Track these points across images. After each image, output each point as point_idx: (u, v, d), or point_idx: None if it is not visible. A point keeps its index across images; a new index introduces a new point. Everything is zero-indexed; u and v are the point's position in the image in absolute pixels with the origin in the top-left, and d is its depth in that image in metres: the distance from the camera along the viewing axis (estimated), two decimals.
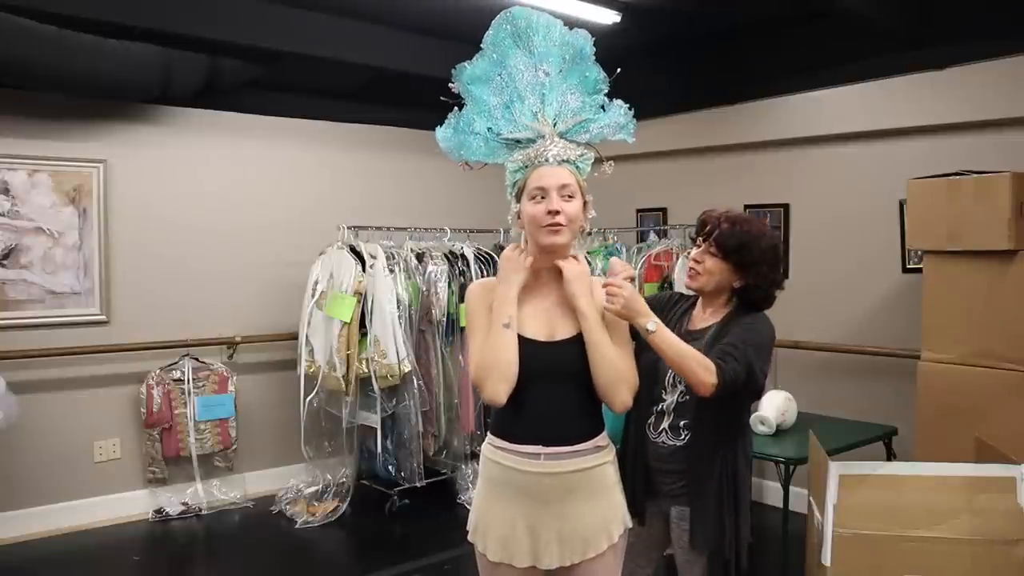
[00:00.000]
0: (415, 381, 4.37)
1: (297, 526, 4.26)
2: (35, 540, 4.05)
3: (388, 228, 4.71)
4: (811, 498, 2.41)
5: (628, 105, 2.04)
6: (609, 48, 5.05)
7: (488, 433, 1.98)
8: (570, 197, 1.84)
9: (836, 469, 2.16)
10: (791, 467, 2.94)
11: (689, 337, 2.10)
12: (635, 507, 2.07)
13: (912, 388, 3.33)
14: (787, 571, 3.04)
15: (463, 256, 4.71)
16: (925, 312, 3.27)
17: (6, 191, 4.04)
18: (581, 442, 1.86)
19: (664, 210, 5.18)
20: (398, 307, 4.30)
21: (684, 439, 2.08)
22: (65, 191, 4.19)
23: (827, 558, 2.16)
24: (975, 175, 3.10)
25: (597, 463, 1.89)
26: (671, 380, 2.13)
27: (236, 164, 4.73)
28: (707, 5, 4.01)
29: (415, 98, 5.22)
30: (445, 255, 4.66)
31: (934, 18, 3.77)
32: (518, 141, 1.95)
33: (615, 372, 1.85)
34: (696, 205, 4.89)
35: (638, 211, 5.31)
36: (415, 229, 4.80)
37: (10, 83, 3.81)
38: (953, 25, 3.75)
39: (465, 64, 1.99)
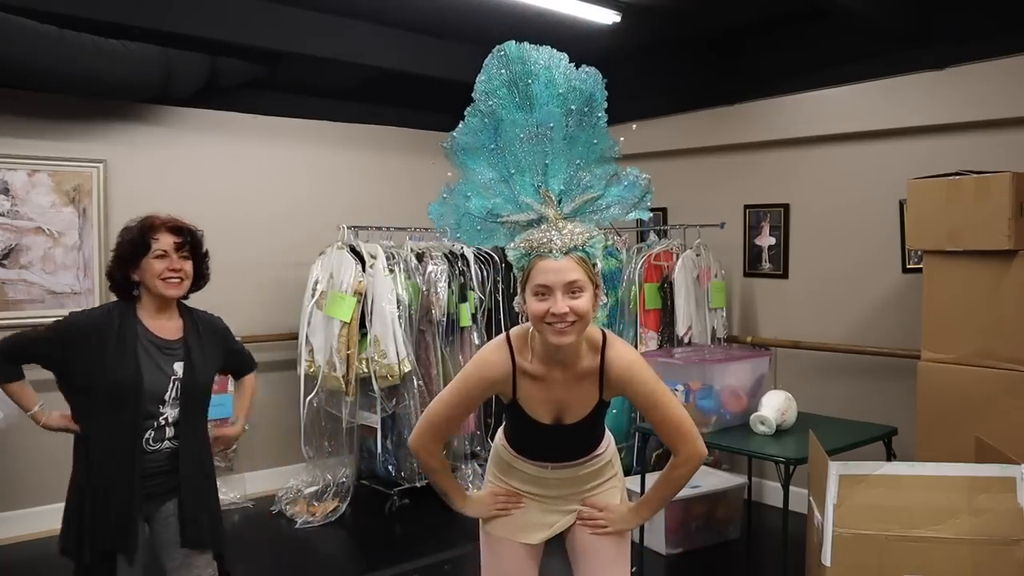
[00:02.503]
0: (415, 381, 4.37)
1: (297, 526, 4.26)
2: (35, 540, 4.05)
3: (388, 228, 4.72)
4: (811, 498, 2.41)
5: (646, 176, 1.83)
6: (609, 48, 5.11)
7: (502, 429, 2.04)
8: (578, 292, 1.67)
9: (836, 469, 2.16)
10: (791, 467, 2.94)
11: None
12: None
13: (912, 388, 3.32)
14: (787, 571, 3.04)
15: (463, 256, 4.71)
16: (925, 312, 3.27)
17: (6, 191, 4.04)
18: (586, 455, 1.97)
19: (664, 210, 5.18)
20: (398, 307, 4.31)
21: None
22: (65, 191, 4.19)
23: (827, 558, 2.16)
24: (975, 175, 3.10)
25: (598, 465, 2.00)
26: None
27: (236, 164, 4.73)
28: (707, 5, 4.01)
29: (415, 98, 5.26)
30: (445, 255, 4.66)
31: (934, 18, 3.78)
32: (518, 223, 1.76)
33: (694, 466, 1.93)
34: (696, 205, 4.94)
35: None
36: (415, 229, 4.80)
37: (10, 83, 3.81)
38: (953, 25, 3.75)
39: (461, 127, 1.78)
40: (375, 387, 4.28)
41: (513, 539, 1.96)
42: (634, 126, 1.96)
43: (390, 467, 4.52)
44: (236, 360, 2.58)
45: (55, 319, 2.26)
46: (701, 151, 4.92)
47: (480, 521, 2.03)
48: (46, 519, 4.15)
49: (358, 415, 4.51)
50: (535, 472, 1.95)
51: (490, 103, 1.74)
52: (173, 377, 2.25)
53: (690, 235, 4.73)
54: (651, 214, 1.84)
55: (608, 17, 3.99)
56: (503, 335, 1.86)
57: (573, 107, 1.72)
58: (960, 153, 3.71)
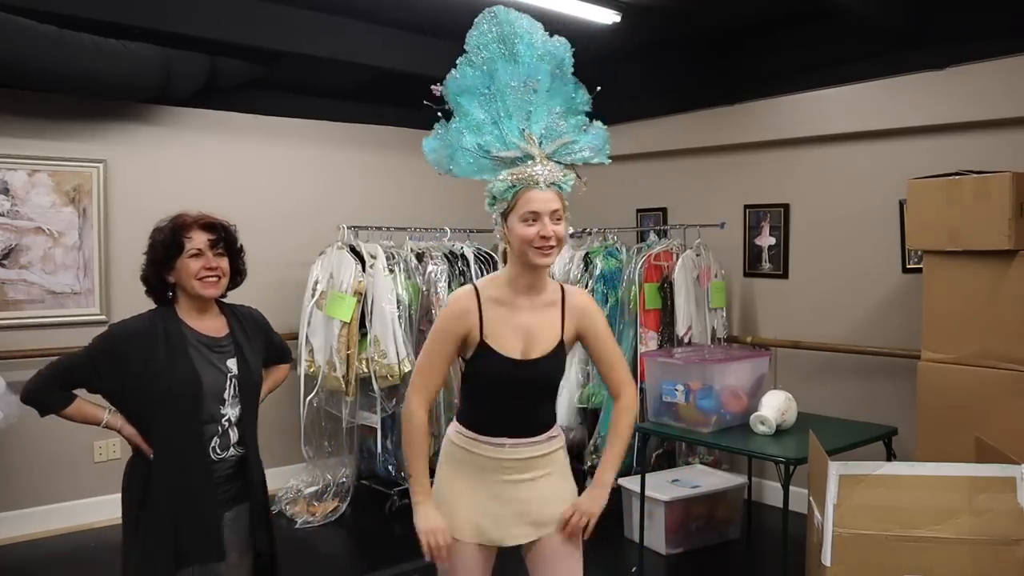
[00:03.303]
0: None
1: (297, 526, 4.26)
2: (35, 540, 4.06)
3: (388, 228, 4.72)
4: (811, 498, 2.41)
5: (606, 128, 2.09)
6: (609, 48, 5.10)
7: (455, 421, 2.10)
8: (559, 220, 1.92)
9: (836, 469, 2.16)
10: (791, 467, 2.94)
11: None
12: None
13: (912, 388, 3.33)
14: (787, 571, 3.04)
15: (463, 256, 4.72)
16: (925, 312, 3.27)
17: (6, 191, 4.04)
18: (540, 434, 2.04)
19: (664, 210, 5.18)
20: (398, 307, 4.31)
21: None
22: (65, 191, 4.19)
23: (827, 558, 2.16)
24: (975, 175, 3.10)
25: (552, 449, 2.06)
26: None
27: (236, 164, 4.73)
28: (707, 5, 4.01)
29: (415, 98, 5.24)
30: (445, 255, 4.66)
31: (934, 18, 3.78)
32: (504, 159, 1.96)
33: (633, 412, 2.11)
34: (696, 205, 4.94)
35: (638, 211, 5.31)
36: (415, 229, 4.80)
37: (10, 83, 3.81)
38: (953, 25, 3.75)
39: (454, 73, 2.00)
40: (375, 387, 4.28)
41: (469, 540, 2.00)
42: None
43: (390, 467, 4.52)
44: (276, 351, 2.54)
45: (97, 335, 2.17)
46: (701, 151, 4.92)
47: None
48: (46, 519, 4.16)
49: (358, 415, 4.51)
50: (492, 454, 1.99)
51: (482, 55, 1.98)
52: (229, 375, 2.21)
53: (690, 235, 4.73)
54: (610, 160, 2.12)
55: (608, 17, 3.99)
56: (469, 284, 2.09)
57: (549, 67, 1.99)
58: (960, 153, 3.71)
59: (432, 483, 2.08)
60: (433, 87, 1.99)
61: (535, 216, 1.89)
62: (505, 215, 1.93)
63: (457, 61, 2.00)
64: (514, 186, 1.92)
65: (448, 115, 2.02)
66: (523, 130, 1.97)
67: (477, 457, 2.01)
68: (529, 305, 1.98)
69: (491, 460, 2.00)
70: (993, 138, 3.68)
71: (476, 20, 1.99)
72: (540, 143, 1.97)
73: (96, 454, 4.29)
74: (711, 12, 4.10)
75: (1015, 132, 3.61)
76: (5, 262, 4.04)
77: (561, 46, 2.01)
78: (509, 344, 1.96)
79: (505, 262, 2.02)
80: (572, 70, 2.03)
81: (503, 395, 1.99)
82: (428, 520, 1.97)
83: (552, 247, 1.91)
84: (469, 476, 2.02)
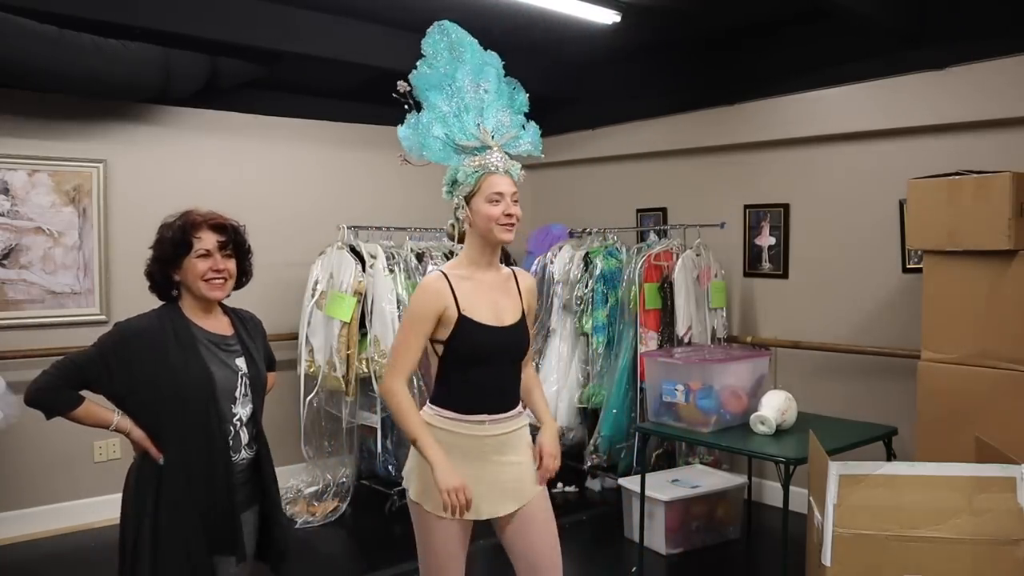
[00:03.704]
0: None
1: (297, 526, 4.26)
2: (35, 540, 4.06)
3: (388, 228, 4.72)
4: (811, 498, 2.41)
5: (537, 125, 2.39)
6: (609, 48, 5.10)
7: (429, 404, 2.24)
8: (516, 201, 2.19)
9: (836, 469, 2.16)
10: (791, 467, 2.94)
11: None
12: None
13: (912, 388, 3.33)
14: (787, 571, 3.04)
15: None
16: (925, 312, 3.27)
17: (6, 191, 4.04)
18: (512, 409, 2.25)
19: (664, 210, 5.18)
20: (398, 307, 4.31)
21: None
22: (65, 191, 4.19)
23: (827, 558, 2.16)
24: (975, 175, 3.10)
25: (522, 424, 2.28)
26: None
27: (236, 164, 4.73)
28: (707, 5, 4.01)
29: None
30: (445, 255, 4.66)
31: (934, 18, 3.77)
32: (466, 148, 2.24)
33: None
34: (696, 205, 4.94)
35: (638, 211, 5.31)
36: (415, 229, 4.81)
37: (10, 83, 3.81)
38: (953, 25, 3.75)
39: (419, 71, 2.27)
40: (375, 387, 4.28)
41: (451, 517, 2.11)
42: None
43: (390, 467, 4.52)
44: (269, 359, 2.50)
45: (103, 334, 2.12)
46: (701, 151, 4.92)
47: (411, 495, 2.21)
48: (46, 519, 4.16)
49: (358, 415, 4.51)
50: (474, 431, 2.16)
51: (436, 59, 2.28)
52: (240, 373, 2.18)
53: (690, 235, 4.73)
54: (543, 155, 2.38)
55: (608, 17, 3.99)
56: (436, 270, 2.30)
57: (493, 69, 2.32)
58: (960, 153, 3.71)
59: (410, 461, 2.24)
60: (400, 83, 2.23)
61: (499, 196, 2.15)
62: (468, 198, 2.18)
63: (417, 63, 2.27)
64: (478, 171, 2.18)
65: (415, 107, 2.27)
66: (478, 124, 2.25)
67: (459, 437, 2.16)
68: (492, 280, 2.24)
69: (473, 439, 2.16)
70: (993, 138, 3.68)
71: (428, 31, 2.29)
72: (493, 136, 2.25)
73: (96, 454, 4.29)
74: (711, 12, 4.10)
75: (1015, 132, 3.61)
76: (5, 262, 4.05)
77: (494, 58, 2.34)
78: (484, 314, 2.17)
79: (460, 241, 2.26)
80: (504, 75, 2.35)
81: (484, 363, 2.17)
82: (451, 478, 2.06)
83: (514, 224, 2.17)
84: (451, 457, 2.12)
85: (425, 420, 2.18)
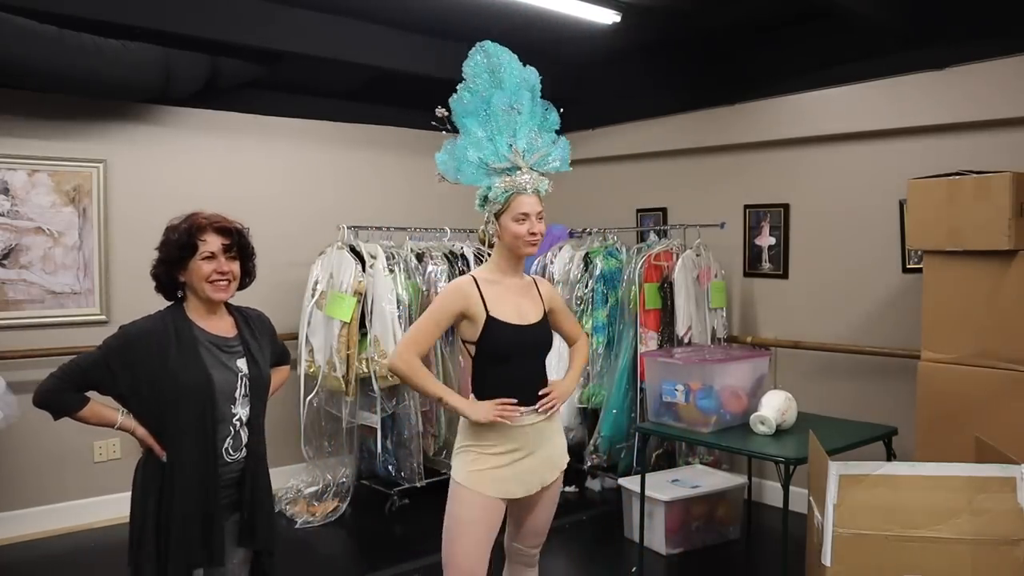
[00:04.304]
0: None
1: (297, 526, 4.26)
2: (35, 540, 4.06)
3: (388, 228, 4.72)
4: (811, 498, 2.41)
5: (567, 141, 2.54)
6: (609, 48, 5.10)
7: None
8: (541, 218, 2.37)
9: (836, 469, 2.16)
10: (791, 467, 2.94)
11: None
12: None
13: (912, 388, 3.33)
14: (787, 571, 3.04)
15: (463, 256, 4.72)
16: (925, 312, 3.27)
17: (6, 191, 4.04)
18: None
19: (664, 210, 5.18)
20: (398, 307, 4.31)
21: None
22: (65, 191, 4.19)
23: (827, 558, 2.16)
24: (975, 175, 3.10)
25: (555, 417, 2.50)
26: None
27: (236, 164, 4.73)
28: (707, 5, 4.01)
29: (415, 98, 5.24)
30: (445, 255, 4.66)
31: (934, 18, 3.77)
32: (498, 170, 2.38)
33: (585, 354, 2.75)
34: (696, 205, 4.94)
35: (638, 211, 5.31)
36: (415, 229, 4.81)
37: (10, 83, 3.81)
38: (953, 25, 3.75)
39: (457, 97, 2.40)
40: (375, 387, 4.28)
41: (489, 494, 2.31)
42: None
43: (390, 467, 4.52)
44: (279, 354, 2.55)
45: (108, 336, 2.16)
46: (701, 151, 4.92)
47: (454, 475, 2.38)
48: (46, 519, 4.16)
49: (358, 415, 4.51)
50: (513, 424, 2.33)
51: (476, 82, 2.40)
52: (240, 374, 2.21)
53: (690, 235, 4.73)
54: (571, 167, 2.53)
55: (608, 17, 3.99)
56: (467, 274, 2.49)
57: (528, 92, 2.43)
58: (960, 153, 3.71)
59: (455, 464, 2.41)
60: (438, 110, 2.39)
61: (525, 216, 2.33)
62: (498, 215, 2.36)
63: (458, 87, 2.40)
64: (508, 191, 2.34)
65: (452, 130, 2.40)
66: (511, 145, 2.38)
67: (495, 426, 2.33)
68: (515, 285, 2.43)
69: (508, 428, 2.33)
70: (993, 138, 3.68)
71: (470, 52, 2.41)
72: (524, 156, 2.39)
73: (96, 454, 4.29)
74: (711, 12, 4.10)
75: (1015, 132, 3.61)
76: (5, 262, 4.05)
77: (532, 74, 2.45)
78: (509, 314, 2.36)
79: (489, 246, 2.44)
80: (540, 95, 2.46)
81: (512, 358, 2.36)
82: (482, 410, 2.32)
83: (538, 240, 2.38)
84: (497, 449, 2.34)
85: (463, 421, 2.40)
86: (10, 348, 3.99)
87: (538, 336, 2.43)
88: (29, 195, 4.10)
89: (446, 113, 2.40)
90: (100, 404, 2.18)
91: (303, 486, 4.57)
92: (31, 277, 4.11)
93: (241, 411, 2.21)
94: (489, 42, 2.41)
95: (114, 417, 2.16)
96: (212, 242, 2.16)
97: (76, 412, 2.16)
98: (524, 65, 2.46)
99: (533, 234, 2.36)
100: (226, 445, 2.17)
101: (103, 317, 4.24)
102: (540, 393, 2.41)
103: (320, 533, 4.22)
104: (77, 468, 4.23)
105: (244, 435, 2.22)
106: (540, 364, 2.46)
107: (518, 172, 2.37)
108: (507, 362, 2.37)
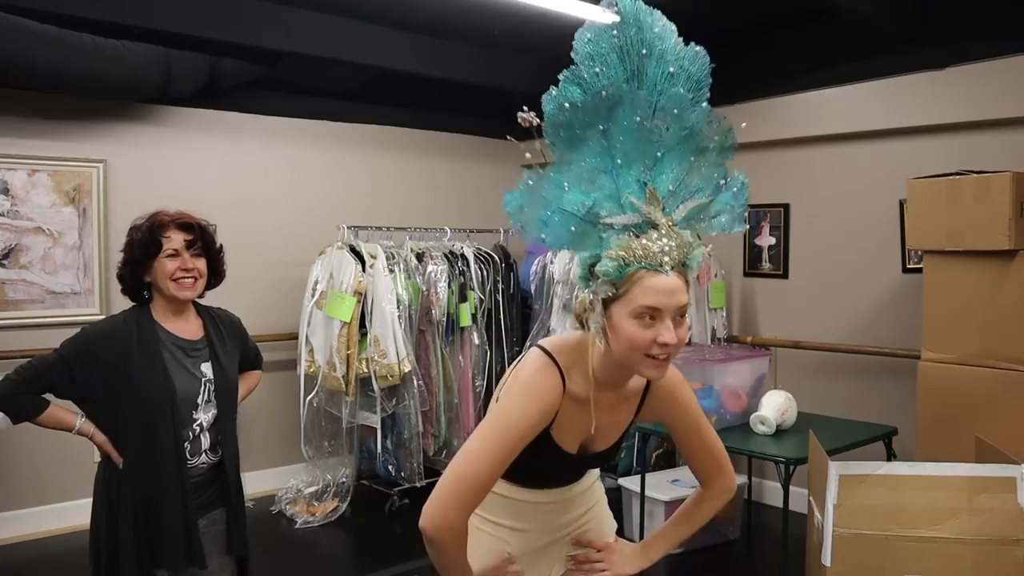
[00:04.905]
0: (415, 381, 4.37)
1: (297, 526, 4.26)
2: (35, 540, 4.06)
3: (388, 228, 4.72)
4: (811, 498, 2.41)
5: (746, 180, 1.53)
6: None
7: None
8: (683, 316, 1.40)
9: (836, 469, 2.16)
10: (791, 467, 2.94)
11: None
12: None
13: (912, 388, 3.33)
14: (787, 571, 3.04)
15: (463, 256, 4.71)
16: (925, 312, 3.27)
17: (6, 191, 4.04)
18: (583, 480, 1.77)
19: None
20: (398, 307, 4.31)
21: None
22: (65, 191, 4.19)
23: (827, 558, 2.16)
24: (975, 175, 3.10)
25: (591, 480, 1.80)
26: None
27: (236, 164, 4.73)
28: (707, 5, 4.01)
29: (415, 98, 5.26)
30: (445, 255, 4.66)
31: (934, 18, 3.78)
32: (615, 226, 1.38)
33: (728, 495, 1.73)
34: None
35: None
36: (415, 229, 4.81)
37: (10, 83, 3.81)
38: (953, 25, 3.75)
39: (558, 93, 1.37)
40: (375, 387, 4.28)
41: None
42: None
43: (390, 467, 4.52)
44: (250, 358, 2.49)
45: (67, 338, 2.13)
46: None
47: None
48: (46, 519, 4.16)
49: (358, 415, 4.51)
50: (532, 499, 1.67)
51: (596, 70, 1.37)
52: (204, 379, 2.17)
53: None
54: (746, 226, 1.56)
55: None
56: (541, 354, 1.50)
57: (687, 91, 1.40)
58: (960, 153, 3.70)
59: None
60: (522, 115, 1.37)
61: (656, 313, 1.36)
62: (608, 302, 1.39)
63: (561, 77, 1.39)
64: (627, 265, 1.36)
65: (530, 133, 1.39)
66: (645, 183, 1.39)
67: (513, 503, 1.67)
68: (608, 403, 1.55)
69: (530, 505, 1.67)
70: (993, 138, 3.68)
71: (586, 24, 1.42)
72: (665, 204, 1.39)
73: (96, 454, 4.26)
74: (711, 12, 4.10)
75: (1015, 132, 3.61)
76: (5, 262, 4.04)
77: (699, 59, 1.43)
78: (572, 440, 1.57)
79: (582, 326, 1.50)
80: (708, 95, 1.44)
81: (551, 481, 1.69)
82: None
83: (669, 356, 1.40)
84: (501, 524, 1.68)
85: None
86: (10, 348, 3.99)
87: (594, 463, 1.69)
88: (29, 195, 4.09)
89: (536, 121, 1.37)
90: (59, 408, 2.15)
91: (303, 486, 4.57)
92: (31, 277, 4.11)
93: (203, 416, 2.17)
94: (632, 2, 1.40)
95: (72, 421, 2.13)
96: (175, 238, 2.12)
97: (36, 417, 2.11)
98: (687, 43, 1.43)
99: (665, 346, 1.37)
100: (185, 449, 2.13)
101: (103, 317, 4.24)
102: (579, 551, 1.70)
103: (320, 533, 4.22)
104: (77, 468, 4.23)
105: (205, 440, 2.18)
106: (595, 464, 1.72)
107: (652, 232, 1.37)
108: (536, 486, 1.66)
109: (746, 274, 4.76)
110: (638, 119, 1.35)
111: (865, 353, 4.13)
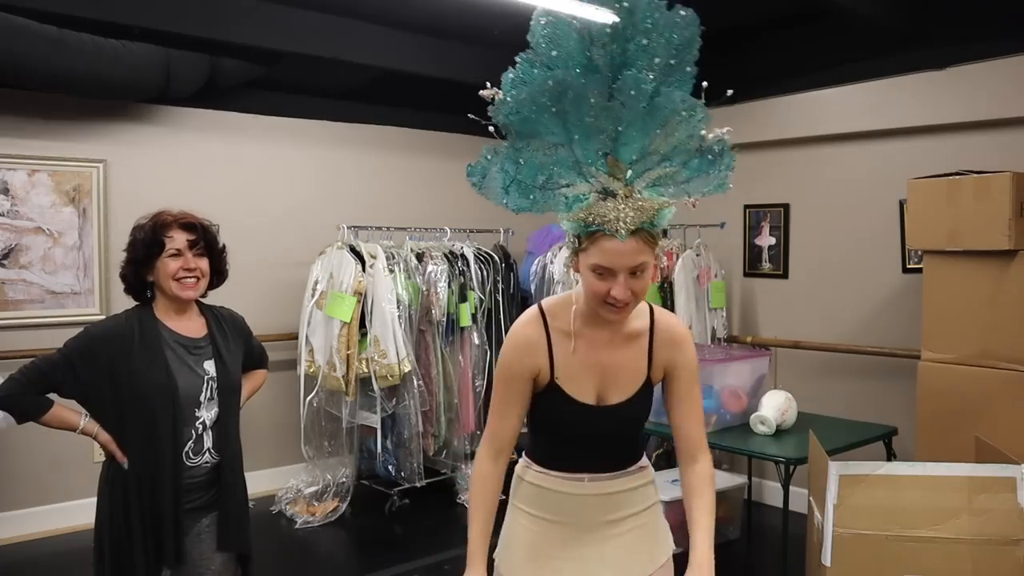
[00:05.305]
0: (415, 381, 4.37)
1: (297, 526, 4.26)
2: (35, 540, 4.06)
3: (388, 228, 4.72)
4: (811, 498, 2.41)
5: (729, 139, 1.53)
6: None
7: (524, 455, 1.78)
8: (640, 272, 1.50)
9: (836, 469, 2.16)
10: (791, 467, 2.94)
11: None
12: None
13: (912, 388, 3.33)
14: (787, 571, 3.04)
15: (463, 256, 4.71)
16: (925, 312, 3.27)
17: (6, 191, 4.04)
18: (624, 468, 1.72)
19: None
20: (398, 307, 4.31)
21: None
22: (65, 191, 4.19)
23: (827, 558, 2.16)
24: (975, 175, 3.10)
25: (640, 483, 1.74)
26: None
27: (236, 164, 4.73)
28: (707, 5, 4.00)
29: (415, 98, 5.26)
30: (445, 255, 4.66)
31: (934, 18, 3.78)
32: (576, 194, 1.52)
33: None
34: (696, 205, 4.93)
35: None
36: (415, 229, 4.81)
37: (10, 83, 3.81)
38: (953, 25, 3.75)
39: (513, 74, 1.46)
40: (375, 387, 4.27)
41: None
42: None
43: (390, 467, 4.52)
44: (255, 358, 2.49)
45: (71, 337, 2.14)
46: None
47: (496, 560, 1.78)
48: (46, 519, 4.16)
49: (358, 415, 4.51)
50: (570, 489, 1.67)
51: (553, 53, 1.44)
52: (207, 377, 2.17)
53: (690, 235, 4.73)
54: (731, 187, 1.57)
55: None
56: (534, 307, 1.68)
57: (658, 60, 1.43)
58: (960, 153, 3.71)
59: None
60: (483, 92, 1.46)
61: (606, 272, 1.49)
62: (577, 251, 1.54)
63: (518, 58, 1.47)
64: (588, 226, 1.47)
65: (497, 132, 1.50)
66: (606, 154, 1.47)
67: (550, 494, 1.68)
68: (607, 338, 1.63)
69: (568, 497, 1.67)
70: (993, 138, 3.68)
71: (590, 16, 1.51)
72: (629, 173, 1.48)
73: (96, 454, 4.27)
74: (710, 12, 4.09)
75: (1015, 132, 3.61)
76: (5, 262, 4.04)
77: (684, 23, 1.47)
78: (584, 387, 1.62)
79: (577, 270, 1.59)
80: (697, 56, 1.48)
81: (576, 440, 1.68)
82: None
83: (627, 308, 1.54)
84: (544, 517, 1.69)
85: (516, 472, 1.78)
86: (10, 348, 3.99)
87: (622, 419, 1.67)
88: (29, 195, 4.09)
89: (498, 94, 1.45)
90: (63, 407, 2.15)
91: (303, 486, 4.57)
92: (31, 277, 4.11)
93: (206, 414, 2.17)
94: None
95: (76, 420, 2.14)
96: (178, 238, 2.14)
97: (40, 416, 2.12)
98: (670, 7, 1.46)
99: (615, 299, 1.50)
100: (187, 448, 2.13)
101: (103, 317, 4.23)
102: None
103: (320, 533, 4.22)
104: (77, 468, 4.23)
105: (208, 439, 2.17)
106: (619, 438, 1.72)
107: (610, 201, 1.46)
108: (569, 442, 1.68)
109: (746, 274, 4.76)
110: (592, 100, 1.40)
111: (865, 353, 4.13)
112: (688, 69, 1.48)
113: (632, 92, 1.40)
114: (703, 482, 1.68)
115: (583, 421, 1.64)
